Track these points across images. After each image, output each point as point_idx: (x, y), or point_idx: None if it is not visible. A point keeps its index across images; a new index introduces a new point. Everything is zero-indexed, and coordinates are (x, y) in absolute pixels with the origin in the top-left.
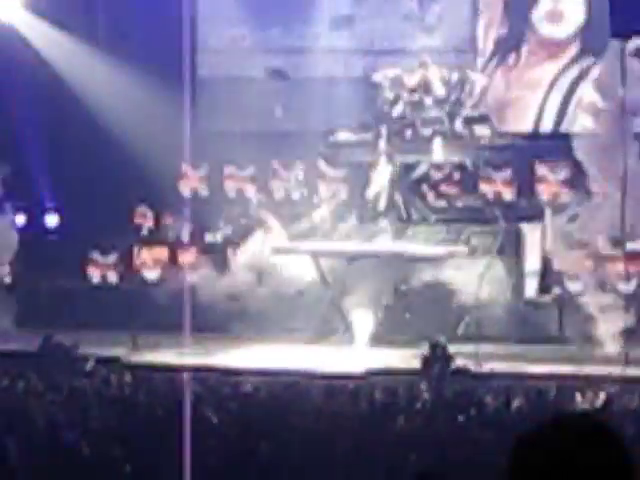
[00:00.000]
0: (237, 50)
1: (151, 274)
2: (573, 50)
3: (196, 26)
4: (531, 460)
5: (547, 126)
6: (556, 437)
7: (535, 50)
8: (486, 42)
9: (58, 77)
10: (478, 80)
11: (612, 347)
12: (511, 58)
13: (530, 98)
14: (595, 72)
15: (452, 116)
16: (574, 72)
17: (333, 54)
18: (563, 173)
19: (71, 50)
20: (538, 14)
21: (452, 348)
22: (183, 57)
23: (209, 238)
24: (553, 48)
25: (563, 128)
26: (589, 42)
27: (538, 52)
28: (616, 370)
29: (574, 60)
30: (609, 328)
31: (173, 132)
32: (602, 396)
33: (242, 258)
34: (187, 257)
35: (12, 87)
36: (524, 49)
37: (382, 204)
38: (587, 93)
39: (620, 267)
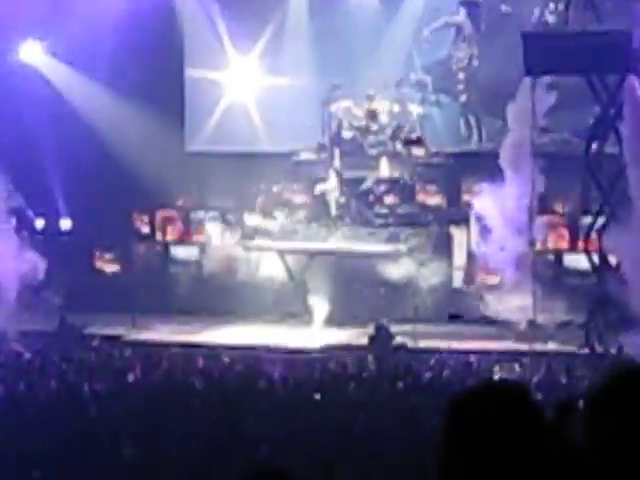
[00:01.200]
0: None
1: (146, 266)
2: None
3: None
4: (464, 419)
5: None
6: (484, 399)
7: None
8: None
9: (74, 113)
10: (415, 110)
11: (523, 327)
12: None
13: None
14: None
15: (394, 139)
16: None
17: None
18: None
19: (80, 86)
20: None
21: (393, 328)
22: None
23: (195, 237)
24: None
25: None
26: None
27: None
28: (525, 346)
29: None
30: (521, 311)
31: (165, 151)
32: (516, 367)
33: (221, 254)
34: (178, 253)
35: (36, 121)
36: None
37: (336, 211)
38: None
39: None
